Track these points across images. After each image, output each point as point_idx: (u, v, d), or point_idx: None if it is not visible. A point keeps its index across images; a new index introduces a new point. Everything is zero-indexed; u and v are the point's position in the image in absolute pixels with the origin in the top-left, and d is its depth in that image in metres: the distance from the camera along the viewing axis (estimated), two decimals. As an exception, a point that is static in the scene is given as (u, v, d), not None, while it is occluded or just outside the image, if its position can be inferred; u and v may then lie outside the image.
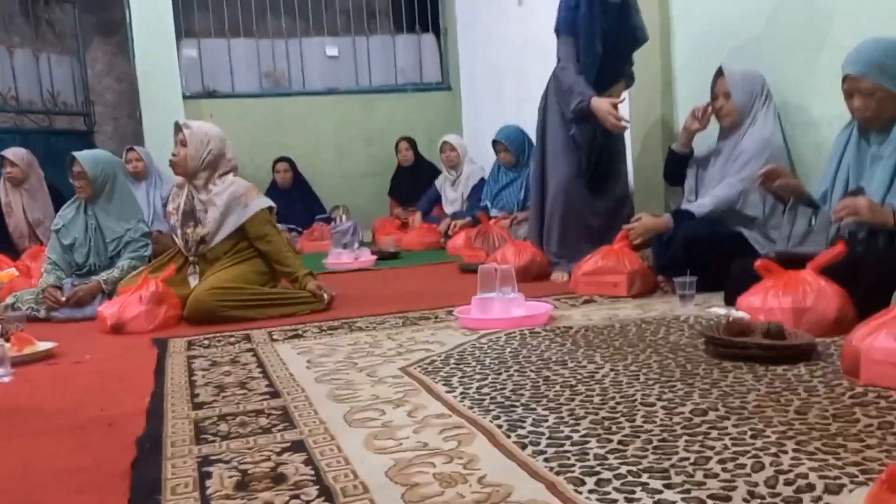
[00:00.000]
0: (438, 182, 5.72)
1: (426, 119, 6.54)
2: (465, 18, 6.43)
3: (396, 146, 6.15)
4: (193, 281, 3.05)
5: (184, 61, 6.03)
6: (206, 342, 2.49)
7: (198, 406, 1.75)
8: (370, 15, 6.85)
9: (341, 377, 1.93)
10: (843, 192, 2.33)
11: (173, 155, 3.02)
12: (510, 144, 4.91)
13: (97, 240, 3.29)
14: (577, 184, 3.43)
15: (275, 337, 2.51)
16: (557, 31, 3.38)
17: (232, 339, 2.51)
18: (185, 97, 5.81)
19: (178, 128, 3.03)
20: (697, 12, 3.67)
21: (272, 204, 3.12)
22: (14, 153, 4.45)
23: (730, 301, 2.45)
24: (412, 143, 6.14)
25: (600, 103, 3.22)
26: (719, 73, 2.97)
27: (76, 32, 6.36)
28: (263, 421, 1.60)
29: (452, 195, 5.55)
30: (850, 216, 2.12)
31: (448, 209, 5.54)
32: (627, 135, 3.62)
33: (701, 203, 2.89)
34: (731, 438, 1.32)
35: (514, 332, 2.31)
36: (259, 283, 2.99)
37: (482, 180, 5.30)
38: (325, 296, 2.99)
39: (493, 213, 4.82)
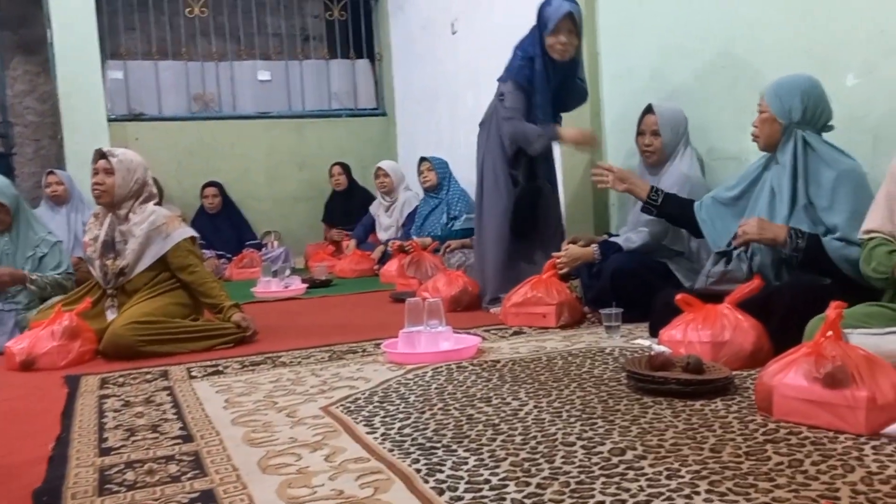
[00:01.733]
0: (373, 208, 5.70)
1: (360, 144, 6.52)
2: (399, 45, 6.45)
3: (329, 171, 6.10)
4: (111, 314, 2.92)
5: (109, 83, 5.85)
6: (121, 379, 2.38)
7: (105, 452, 1.67)
8: (304, 39, 6.82)
9: (259, 418, 1.87)
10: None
11: (98, 185, 2.91)
12: (436, 163, 4.96)
13: (7, 263, 3.20)
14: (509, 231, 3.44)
15: (193, 373, 2.42)
16: (510, 80, 3.29)
17: (148, 377, 2.41)
18: (109, 120, 5.63)
19: (100, 155, 2.94)
20: (623, 51, 3.77)
21: (194, 233, 3.04)
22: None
23: (654, 332, 2.49)
24: (345, 168, 6.10)
25: (567, 130, 3.34)
26: (648, 110, 3.03)
27: (-6, 51, 6.13)
28: (173, 468, 1.53)
29: (387, 221, 5.53)
30: (742, 238, 2.27)
31: (382, 236, 5.51)
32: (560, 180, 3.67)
33: (629, 238, 2.94)
34: (646, 479, 1.32)
35: (442, 367, 2.29)
36: (180, 316, 2.89)
37: (417, 208, 5.30)
38: (251, 328, 2.91)
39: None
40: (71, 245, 4.54)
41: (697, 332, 2.10)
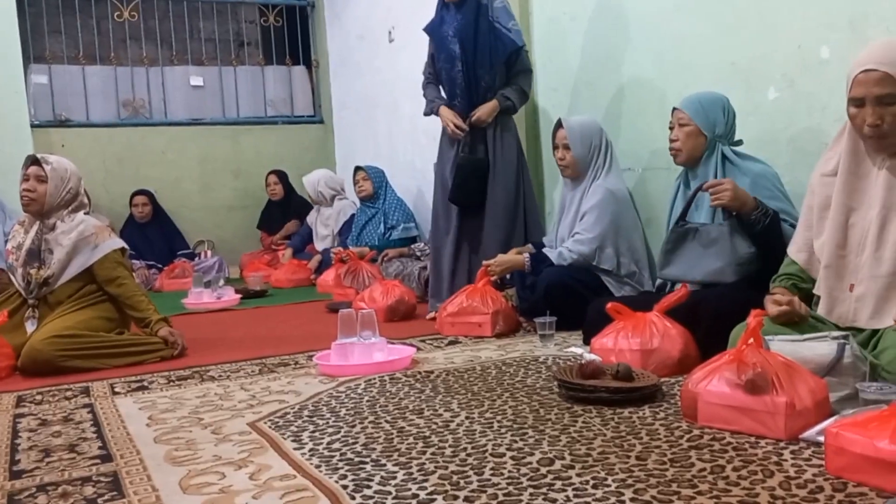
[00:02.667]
0: (310, 218, 5.63)
1: (297, 152, 6.43)
2: (337, 52, 6.41)
3: (266, 180, 5.99)
4: (30, 326, 2.79)
5: (32, 88, 5.63)
6: (39, 397, 2.28)
7: (16, 475, 1.58)
8: (238, 45, 6.70)
9: (183, 436, 1.81)
10: None
11: (29, 191, 2.79)
12: (371, 172, 4.94)
13: None
14: (451, 243, 3.45)
15: (117, 389, 2.33)
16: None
17: (68, 394, 2.31)
18: (33, 126, 5.40)
19: (33, 161, 2.82)
20: (557, 64, 3.82)
21: (123, 245, 2.94)
22: None
23: (587, 341, 2.52)
24: (282, 176, 6.00)
25: (445, 111, 3.33)
26: (558, 125, 3.05)
27: None
28: (89, 490, 1.47)
29: (324, 231, 5.47)
30: (718, 202, 2.23)
31: (319, 245, 5.44)
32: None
33: (560, 255, 2.96)
34: (573, 489, 1.33)
35: (375, 379, 2.26)
36: (105, 330, 2.79)
37: (354, 217, 5.26)
38: (178, 343, 2.83)
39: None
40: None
41: (627, 340, 2.13)
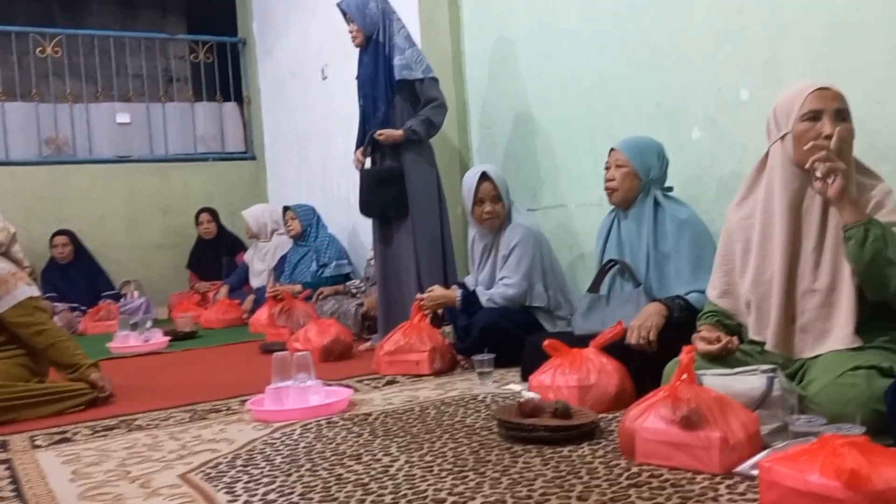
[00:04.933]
0: (247, 256, 5.53)
1: (229, 189, 6.34)
2: (269, 88, 6.37)
3: (196, 218, 5.86)
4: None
5: (-52, 125, 5.41)
6: (-49, 454, 2.14)
7: (-77, 543, 1.48)
8: (167, 81, 6.59)
9: (109, 491, 1.72)
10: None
11: None
12: (300, 211, 4.90)
13: None
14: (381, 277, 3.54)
15: (37, 443, 2.21)
16: None
17: (-16, 449, 2.18)
18: (-52, 163, 5.19)
19: None
20: (488, 101, 3.90)
21: (36, 292, 2.76)
22: None
23: (526, 377, 2.53)
24: (214, 214, 5.89)
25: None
26: (483, 177, 3.03)
27: None
28: (6, 557, 1.38)
29: (260, 267, 5.38)
30: (639, 345, 2.20)
31: (255, 282, 5.35)
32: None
33: (491, 298, 2.98)
34: (517, 534, 1.32)
35: (311, 423, 2.21)
36: (23, 379, 2.64)
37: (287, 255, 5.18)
38: (107, 388, 2.71)
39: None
40: None
41: (565, 377, 2.15)
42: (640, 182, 2.49)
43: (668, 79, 2.85)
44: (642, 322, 2.20)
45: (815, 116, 1.78)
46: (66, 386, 2.68)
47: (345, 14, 3.53)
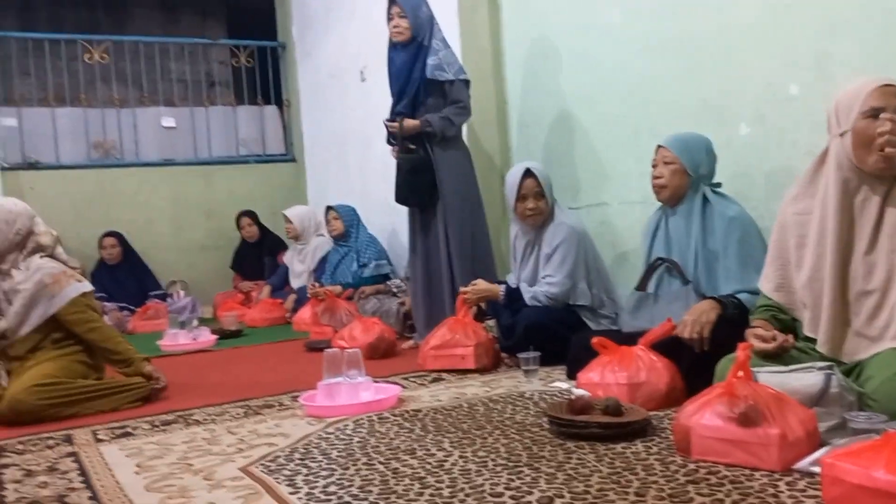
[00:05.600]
0: (286, 258, 5.61)
1: (270, 191, 6.43)
2: (308, 91, 6.45)
3: (238, 221, 5.97)
4: (2, 378, 2.71)
5: (1, 131, 5.57)
6: (21, 447, 2.22)
7: (3, 530, 1.54)
8: (210, 86, 6.71)
9: (174, 483, 1.78)
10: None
11: None
12: (342, 212, 4.95)
13: None
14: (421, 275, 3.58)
15: (100, 437, 2.29)
16: None
17: (50, 442, 2.26)
18: (2, 169, 5.34)
19: None
20: (529, 101, 3.91)
21: (88, 288, 2.84)
22: None
23: (571, 375, 2.55)
24: (254, 217, 5.99)
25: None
26: (528, 174, 3.04)
27: None
28: (82, 544, 1.44)
29: (299, 268, 5.46)
30: (695, 343, 2.19)
31: (295, 283, 5.42)
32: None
33: (534, 296, 2.99)
34: (577, 527, 1.34)
35: (363, 419, 2.25)
36: (82, 375, 2.72)
37: (328, 255, 5.25)
38: (162, 379, 2.81)
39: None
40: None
41: (614, 374, 2.15)
42: (688, 179, 2.48)
43: (713, 75, 2.84)
44: (696, 317, 2.20)
45: (876, 113, 1.76)
46: (123, 381, 2.76)
47: (396, 6, 3.52)
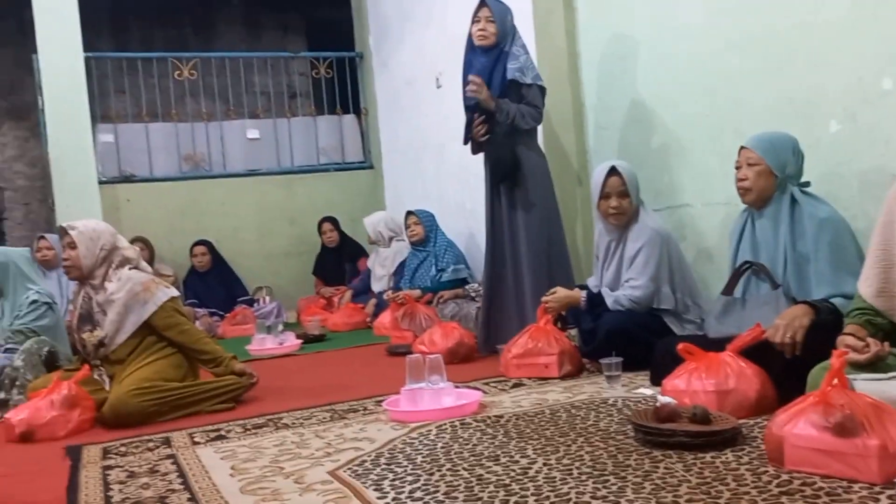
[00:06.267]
0: (370, 261, 5.73)
1: (349, 197, 6.57)
2: (385, 99, 6.56)
3: (319, 227, 6.12)
4: (105, 383, 2.88)
5: (99, 146, 5.89)
6: (123, 449, 2.35)
7: (113, 528, 1.64)
8: (291, 97, 6.91)
9: (267, 486, 1.85)
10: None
11: (65, 260, 2.90)
12: (423, 217, 5.01)
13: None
14: (498, 267, 3.57)
15: (196, 439, 2.39)
16: None
17: (150, 444, 2.38)
18: (100, 182, 5.65)
19: (63, 232, 2.92)
20: (606, 103, 3.87)
21: (175, 293, 2.99)
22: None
23: (655, 381, 2.51)
24: (335, 223, 6.13)
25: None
26: (612, 172, 3.01)
27: (-16, 117, 6.16)
28: (185, 543, 1.51)
29: (381, 272, 5.56)
30: (786, 348, 2.13)
31: (376, 287, 5.52)
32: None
33: (617, 300, 2.96)
34: (666, 538, 1.32)
35: (445, 424, 2.28)
36: (177, 379, 2.86)
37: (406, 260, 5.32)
38: (254, 374, 2.94)
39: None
40: (64, 309, 4.51)
41: (701, 382, 2.11)
42: (775, 179, 2.40)
43: (800, 72, 2.75)
44: (788, 322, 2.13)
45: None
46: (215, 383, 2.88)
47: (482, 8, 3.51)
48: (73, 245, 2.87)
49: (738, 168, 2.49)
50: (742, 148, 2.50)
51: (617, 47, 3.76)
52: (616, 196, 3.00)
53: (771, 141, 2.45)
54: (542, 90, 3.53)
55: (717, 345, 2.24)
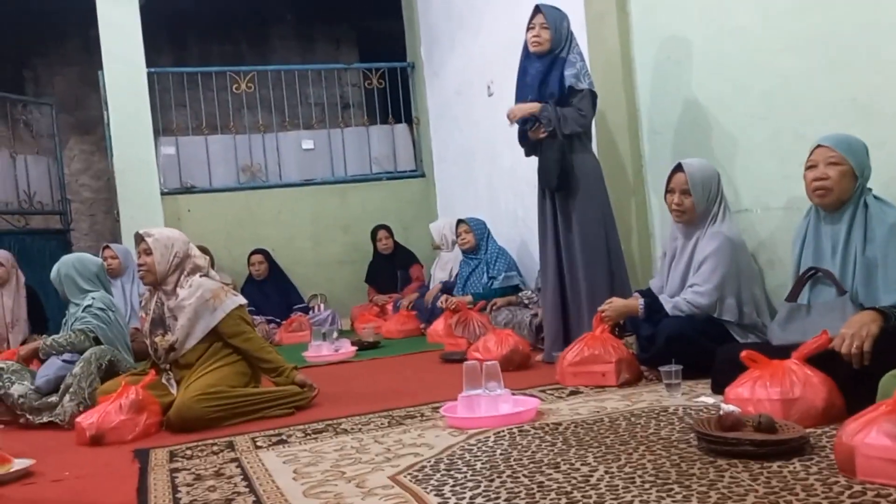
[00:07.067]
0: (432, 267, 5.78)
1: (401, 206, 6.64)
2: (436, 108, 6.61)
3: (374, 235, 6.19)
4: (172, 388, 2.97)
5: (161, 158, 6.09)
6: (189, 452, 2.42)
7: (183, 528, 1.69)
8: (344, 107, 7.03)
9: (330, 489, 1.88)
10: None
11: (140, 266, 3.01)
12: (474, 225, 5.02)
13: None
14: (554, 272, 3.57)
15: (259, 443, 2.45)
16: None
17: (215, 448, 2.44)
18: (162, 193, 5.84)
19: (139, 238, 3.02)
20: (661, 106, 3.82)
21: (243, 301, 3.07)
22: (-2, 253, 4.42)
23: (717, 389, 2.47)
24: (390, 231, 6.20)
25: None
26: (678, 168, 2.98)
27: (53, 132, 6.42)
28: (253, 544, 1.55)
29: (441, 275, 5.61)
30: (854, 359, 2.06)
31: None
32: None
33: (676, 305, 2.90)
34: (734, 548, 1.30)
35: (503, 431, 2.28)
36: (241, 385, 2.94)
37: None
38: (314, 388, 2.99)
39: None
40: (128, 316, 4.66)
41: (766, 390, 2.07)
42: (855, 182, 2.32)
43: (862, 72, 2.67)
44: (856, 330, 2.07)
45: None
46: (278, 391, 2.94)
47: (537, 14, 3.53)
48: (148, 251, 2.98)
49: (811, 167, 2.39)
50: (818, 146, 2.40)
51: (671, 50, 3.71)
52: (679, 193, 2.96)
53: (848, 141, 2.36)
54: (593, 95, 3.52)
55: (782, 352, 2.19)
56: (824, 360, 2.10)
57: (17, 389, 3.08)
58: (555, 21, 3.51)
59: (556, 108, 3.46)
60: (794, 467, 1.69)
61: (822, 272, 2.36)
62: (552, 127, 3.45)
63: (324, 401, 3.04)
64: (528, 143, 3.67)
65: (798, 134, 2.87)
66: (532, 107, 3.49)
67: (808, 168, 2.41)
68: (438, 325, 4.71)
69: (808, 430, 1.90)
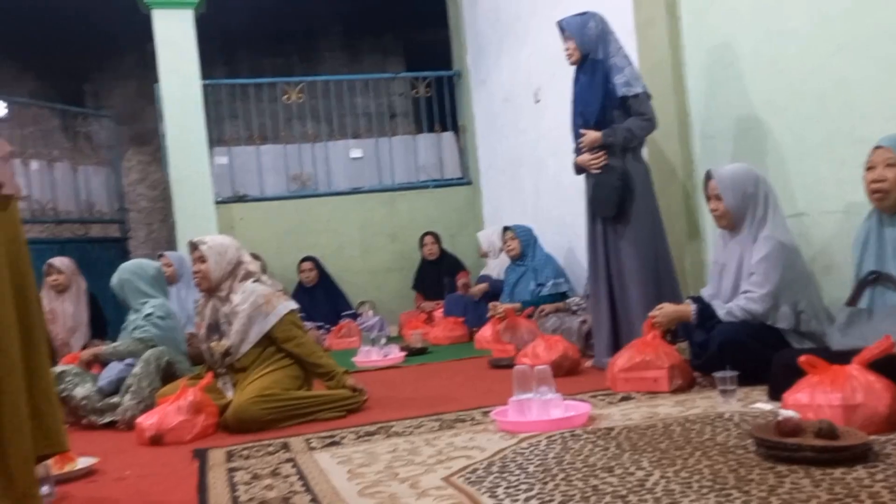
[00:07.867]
0: (485, 270, 5.80)
1: (448, 213, 6.68)
2: (483, 116, 6.63)
3: (421, 241, 6.24)
4: (229, 392, 3.04)
5: (215, 168, 6.24)
6: (245, 452, 2.47)
7: (243, 525, 1.72)
8: (391, 117, 7.12)
9: (384, 489, 1.90)
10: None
11: (195, 273, 3.09)
12: (519, 232, 5.02)
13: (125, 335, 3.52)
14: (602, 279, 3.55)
15: (312, 445, 2.49)
16: None
17: (270, 449, 2.49)
18: (216, 202, 5.98)
19: (193, 246, 3.10)
20: (712, 111, 3.77)
21: (295, 305, 3.13)
22: (60, 261, 4.58)
23: (774, 396, 2.42)
24: (437, 237, 6.23)
25: (579, 159, 3.60)
26: (708, 176, 2.98)
27: (112, 144, 6.64)
28: (311, 541, 1.57)
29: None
30: None
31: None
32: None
33: (730, 311, 2.85)
34: (797, 553, 1.28)
35: (555, 435, 2.28)
36: (294, 388, 2.99)
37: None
38: (365, 392, 3.03)
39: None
40: (184, 321, 4.77)
41: (826, 396, 2.02)
42: None
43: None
44: None
45: None
46: (330, 394, 2.99)
47: (563, 31, 3.59)
48: (202, 259, 3.05)
49: (870, 169, 2.35)
50: (878, 148, 2.35)
51: (722, 54, 3.67)
52: (714, 198, 2.95)
53: None
54: (649, 96, 3.50)
55: (842, 357, 2.13)
56: (887, 365, 2.05)
57: (79, 391, 3.19)
58: (575, 29, 3.53)
59: (615, 126, 3.45)
60: (858, 474, 1.65)
61: (885, 276, 2.30)
62: (621, 146, 3.46)
63: (374, 405, 3.07)
64: (578, 166, 3.66)
65: (854, 137, 2.81)
66: (594, 137, 3.47)
67: (868, 170, 2.37)
68: (486, 330, 4.72)
69: (871, 437, 1.85)
